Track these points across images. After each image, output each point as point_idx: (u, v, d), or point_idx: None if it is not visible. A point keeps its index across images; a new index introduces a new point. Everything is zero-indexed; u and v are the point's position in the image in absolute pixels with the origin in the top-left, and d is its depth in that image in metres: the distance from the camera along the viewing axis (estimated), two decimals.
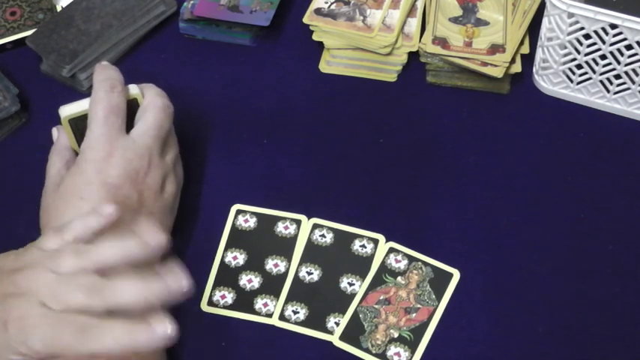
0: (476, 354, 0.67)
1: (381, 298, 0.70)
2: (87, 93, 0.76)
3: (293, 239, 0.73)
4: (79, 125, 0.70)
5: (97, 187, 0.65)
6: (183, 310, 0.63)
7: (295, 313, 0.69)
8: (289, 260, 0.72)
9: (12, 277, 0.57)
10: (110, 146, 0.66)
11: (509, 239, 0.73)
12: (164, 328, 0.55)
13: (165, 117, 0.70)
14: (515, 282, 0.70)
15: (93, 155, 0.66)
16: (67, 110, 0.70)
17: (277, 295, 0.70)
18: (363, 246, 0.72)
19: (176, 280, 0.56)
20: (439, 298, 0.69)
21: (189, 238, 0.74)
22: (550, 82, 0.82)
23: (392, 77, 0.85)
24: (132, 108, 0.70)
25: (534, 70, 0.83)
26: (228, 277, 0.71)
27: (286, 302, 0.70)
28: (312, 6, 0.86)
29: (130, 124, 0.70)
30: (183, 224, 0.73)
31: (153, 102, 0.70)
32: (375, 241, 0.72)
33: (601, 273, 0.71)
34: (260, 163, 0.79)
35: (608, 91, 0.79)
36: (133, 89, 0.71)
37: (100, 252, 0.57)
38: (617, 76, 0.78)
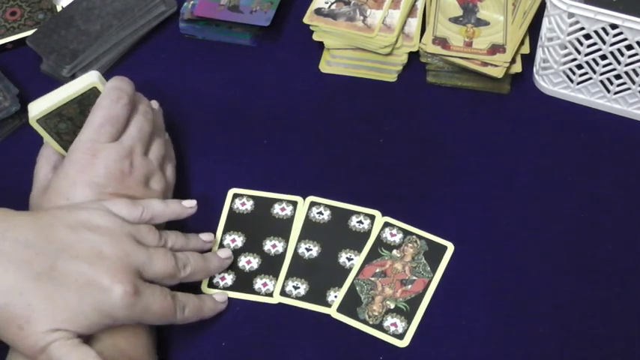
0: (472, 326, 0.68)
1: (377, 270, 0.70)
2: None
3: (290, 220, 0.74)
4: (50, 123, 0.69)
5: (81, 188, 0.66)
6: (184, 291, 0.64)
7: (296, 288, 0.70)
8: (287, 241, 0.73)
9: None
10: (95, 149, 0.67)
11: (509, 239, 0.73)
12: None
13: (145, 121, 0.71)
14: (515, 282, 0.70)
15: (77, 157, 0.67)
16: (34, 110, 0.69)
17: (276, 275, 0.71)
18: (360, 222, 0.73)
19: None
20: (434, 270, 0.70)
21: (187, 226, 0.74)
22: (550, 82, 0.82)
23: (392, 77, 0.85)
24: (91, 97, 0.69)
25: (535, 70, 0.83)
26: None
27: (287, 278, 0.71)
28: (313, 6, 0.86)
29: (85, 113, 0.69)
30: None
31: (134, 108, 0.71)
32: (372, 217, 0.73)
33: (601, 273, 0.71)
34: (260, 163, 0.79)
35: (608, 91, 0.79)
36: (93, 77, 0.70)
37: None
38: (618, 76, 0.78)
